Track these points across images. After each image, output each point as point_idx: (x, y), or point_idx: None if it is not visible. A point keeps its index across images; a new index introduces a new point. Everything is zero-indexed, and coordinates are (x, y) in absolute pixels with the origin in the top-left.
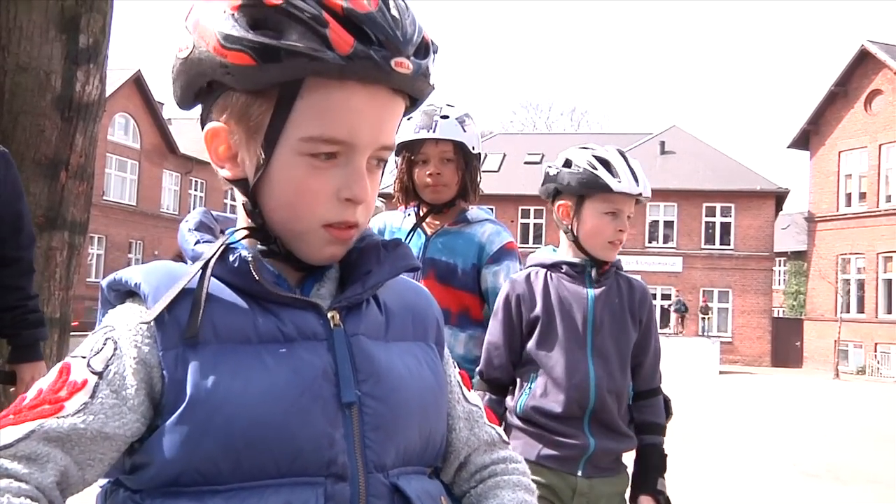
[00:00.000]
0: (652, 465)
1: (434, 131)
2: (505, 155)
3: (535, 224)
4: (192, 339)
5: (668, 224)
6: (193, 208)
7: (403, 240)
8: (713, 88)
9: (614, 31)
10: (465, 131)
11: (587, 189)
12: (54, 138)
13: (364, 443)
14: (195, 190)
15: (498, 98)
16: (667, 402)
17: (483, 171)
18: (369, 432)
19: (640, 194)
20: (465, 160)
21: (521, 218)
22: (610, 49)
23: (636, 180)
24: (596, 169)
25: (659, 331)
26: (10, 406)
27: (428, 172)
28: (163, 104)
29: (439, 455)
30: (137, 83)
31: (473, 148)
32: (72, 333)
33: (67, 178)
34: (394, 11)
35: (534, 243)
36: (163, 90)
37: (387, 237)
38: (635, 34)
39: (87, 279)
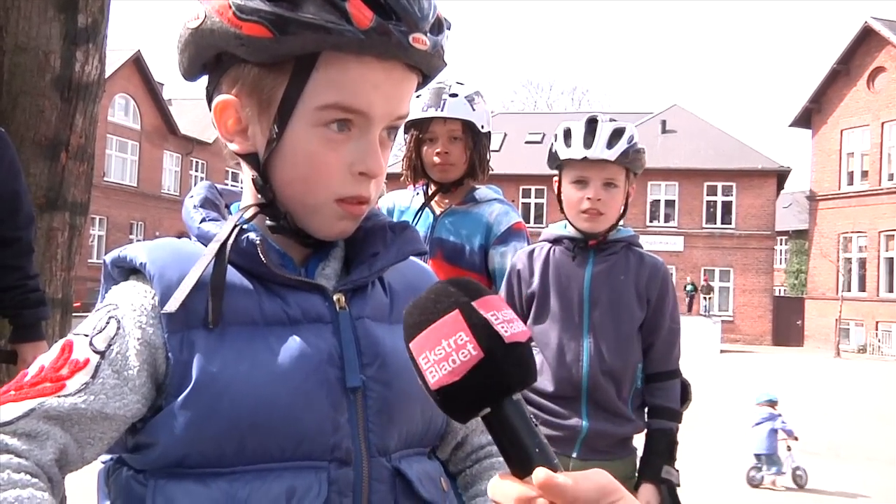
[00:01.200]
0: (656, 450)
1: (442, 110)
2: (506, 134)
3: (536, 203)
4: (181, 321)
5: (670, 203)
6: None
7: (412, 219)
8: (714, 67)
9: (615, 9)
10: (473, 110)
11: (550, 161)
12: (54, 119)
13: (367, 427)
14: (196, 171)
15: (499, 77)
16: (685, 386)
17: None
18: (373, 416)
19: (586, 158)
20: (474, 139)
21: (523, 197)
22: (611, 28)
23: (591, 144)
24: (556, 140)
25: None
26: (12, 381)
27: (436, 151)
28: (163, 85)
29: (439, 435)
30: (137, 64)
31: (482, 127)
32: (73, 314)
33: (68, 158)
34: None
35: (535, 223)
36: (163, 71)
37: (395, 217)
38: (636, 13)
39: (89, 260)
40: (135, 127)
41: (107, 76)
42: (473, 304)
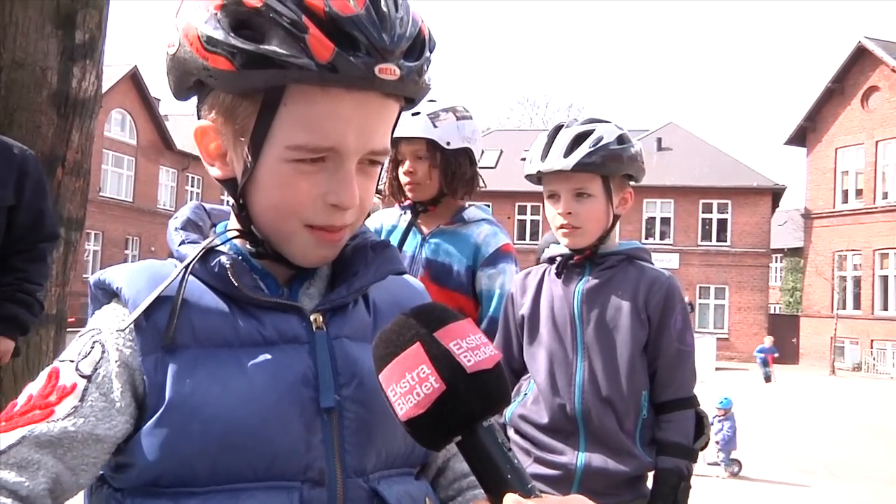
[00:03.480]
0: (660, 494)
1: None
2: (502, 151)
3: (531, 220)
4: (170, 346)
5: (665, 220)
6: None
7: (398, 239)
8: (710, 85)
9: (611, 27)
10: (436, 126)
11: (527, 178)
12: (50, 134)
13: (343, 447)
14: (192, 186)
15: (495, 94)
16: (701, 418)
17: (480, 168)
18: (349, 437)
19: (539, 171)
20: (441, 156)
21: (518, 214)
22: (607, 45)
23: (546, 155)
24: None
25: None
26: (2, 413)
27: (403, 171)
28: (159, 100)
29: (428, 455)
30: (134, 79)
31: (448, 143)
32: (68, 329)
33: (63, 174)
34: (383, 9)
35: (531, 240)
36: (159, 86)
37: (383, 236)
38: (632, 31)
39: (84, 275)
40: (131, 142)
41: (103, 91)
42: (435, 335)
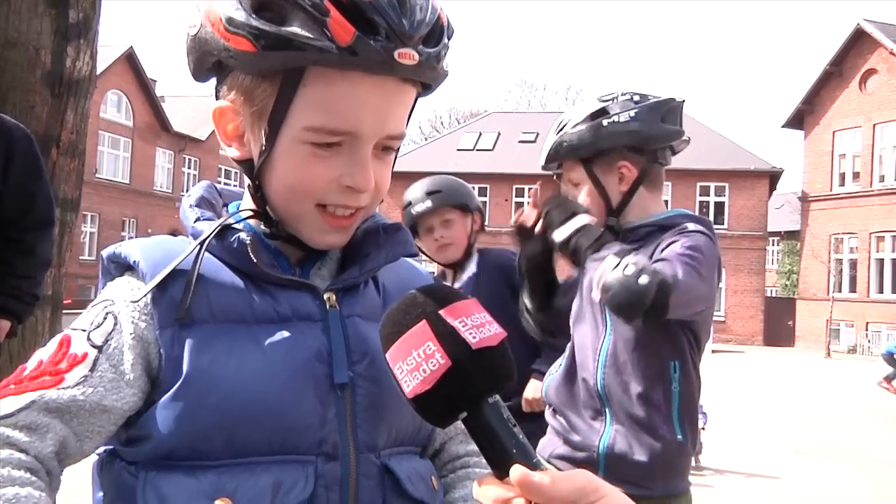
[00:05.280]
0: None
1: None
2: (499, 133)
3: (528, 203)
4: (183, 320)
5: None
6: (187, 186)
7: None
8: (708, 68)
9: (610, 9)
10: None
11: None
12: (45, 115)
13: (355, 423)
14: (188, 168)
15: (493, 76)
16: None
17: (478, 150)
18: (361, 413)
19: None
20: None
21: (516, 197)
22: (605, 28)
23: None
24: None
25: None
26: (11, 376)
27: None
28: (155, 81)
29: (432, 436)
30: (130, 60)
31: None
32: (64, 311)
33: (58, 154)
34: None
35: None
36: (156, 67)
37: None
38: (630, 14)
39: (80, 257)
40: (127, 123)
41: (99, 72)
42: (441, 312)
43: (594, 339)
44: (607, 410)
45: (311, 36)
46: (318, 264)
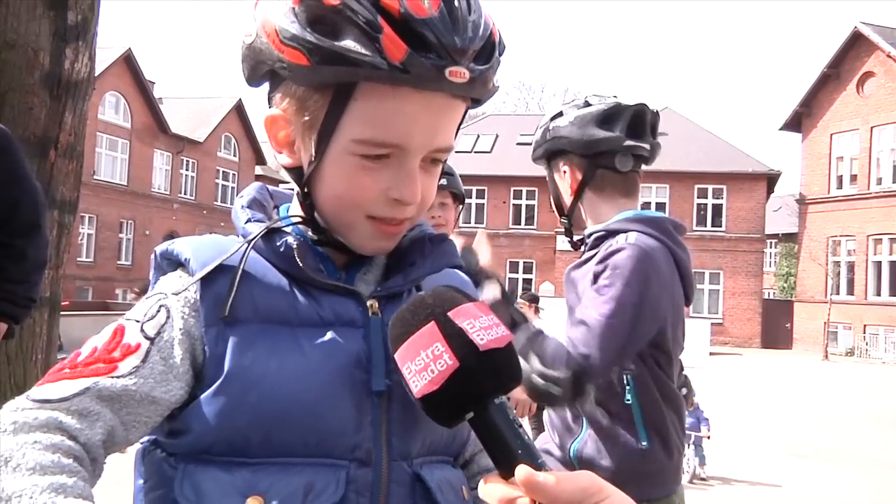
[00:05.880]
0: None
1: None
2: (497, 136)
3: (527, 205)
4: (230, 319)
5: (660, 206)
6: (184, 188)
7: None
8: (706, 70)
9: (608, 12)
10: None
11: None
12: (43, 116)
13: (390, 430)
14: (186, 170)
15: None
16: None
17: (475, 152)
18: (396, 420)
19: None
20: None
21: (514, 199)
22: (603, 31)
23: None
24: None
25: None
26: (66, 360)
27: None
28: (154, 83)
29: (464, 447)
30: (128, 62)
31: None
32: (62, 313)
33: (56, 156)
34: (456, 13)
35: (525, 225)
36: (154, 69)
37: None
38: (628, 16)
39: (78, 259)
40: (125, 125)
41: (97, 74)
42: (449, 314)
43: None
44: (583, 416)
45: (363, 52)
46: (363, 270)
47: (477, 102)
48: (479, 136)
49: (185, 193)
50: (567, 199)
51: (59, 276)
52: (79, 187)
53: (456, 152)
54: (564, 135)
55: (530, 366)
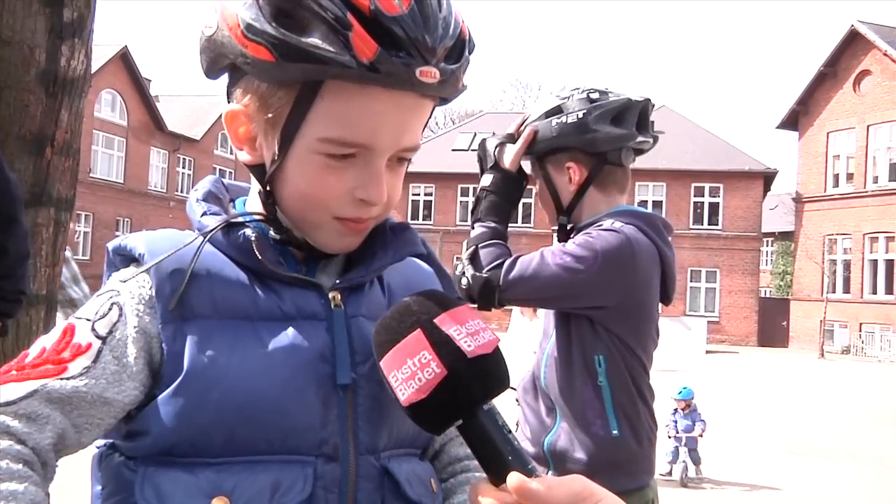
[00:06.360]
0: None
1: None
2: (494, 134)
3: (524, 203)
4: (176, 312)
5: (657, 204)
6: (181, 186)
7: None
8: (703, 69)
9: (604, 10)
10: None
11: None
12: (39, 114)
13: (357, 424)
14: (183, 168)
15: (487, 76)
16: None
17: (472, 150)
18: (363, 414)
19: None
20: None
21: None
22: (599, 28)
23: None
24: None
25: None
26: (13, 362)
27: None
28: (150, 81)
29: (432, 438)
30: (124, 59)
31: None
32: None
33: (53, 154)
34: (427, 10)
35: (522, 223)
36: (150, 67)
37: None
38: (624, 13)
39: (74, 256)
40: (121, 123)
41: (93, 71)
42: (435, 321)
43: (543, 340)
44: (557, 409)
45: (332, 49)
46: (323, 262)
47: (445, 101)
48: (475, 134)
49: (181, 191)
50: (566, 195)
51: (56, 274)
52: (75, 185)
53: (453, 150)
54: (579, 130)
55: (466, 257)
